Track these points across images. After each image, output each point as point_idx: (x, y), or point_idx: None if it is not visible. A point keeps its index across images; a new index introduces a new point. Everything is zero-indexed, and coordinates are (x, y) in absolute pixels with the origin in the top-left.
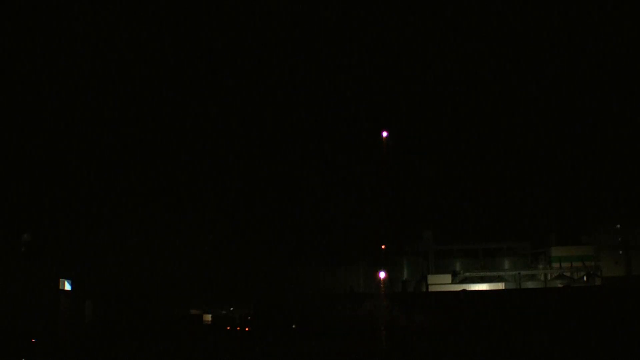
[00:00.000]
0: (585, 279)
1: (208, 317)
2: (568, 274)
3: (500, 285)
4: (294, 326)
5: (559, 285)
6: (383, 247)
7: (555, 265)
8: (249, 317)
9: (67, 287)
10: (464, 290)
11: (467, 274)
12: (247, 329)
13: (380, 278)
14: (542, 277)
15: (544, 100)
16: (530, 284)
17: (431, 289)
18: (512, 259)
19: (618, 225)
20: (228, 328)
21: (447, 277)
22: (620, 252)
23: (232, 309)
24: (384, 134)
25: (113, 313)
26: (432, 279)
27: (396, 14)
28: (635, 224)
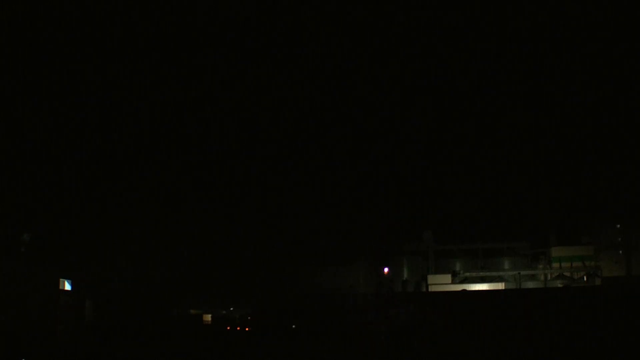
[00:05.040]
0: (585, 279)
1: (208, 317)
2: (568, 274)
3: (500, 285)
4: (294, 326)
5: (559, 285)
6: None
7: (555, 265)
8: (249, 317)
9: (67, 287)
10: (464, 290)
11: (467, 274)
12: (247, 329)
13: (384, 273)
14: (542, 277)
15: (543, 99)
16: (530, 284)
17: (431, 289)
18: (512, 259)
19: (618, 225)
20: (228, 328)
21: (447, 277)
22: (620, 252)
23: (232, 309)
24: None
25: (113, 313)
26: (432, 279)
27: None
28: (635, 224)
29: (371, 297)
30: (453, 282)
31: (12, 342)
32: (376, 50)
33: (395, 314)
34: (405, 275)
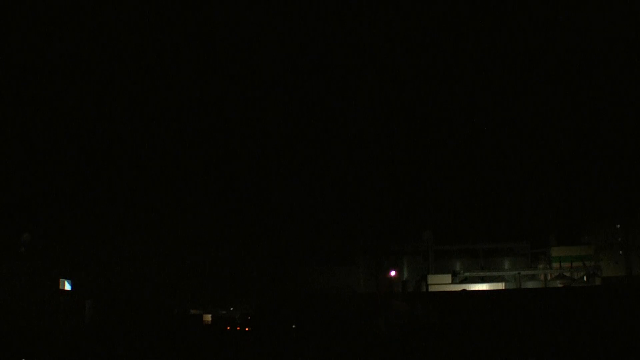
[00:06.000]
0: (585, 279)
1: (208, 317)
2: (568, 274)
3: (500, 285)
4: (294, 326)
5: (559, 285)
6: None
7: (555, 265)
8: (249, 317)
9: (67, 287)
10: (464, 290)
11: (467, 274)
12: (247, 329)
13: (390, 276)
14: (542, 277)
15: (543, 100)
16: (530, 284)
17: (431, 289)
18: (512, 259)
19: (618, 225)
20: (228, 328)
21: (447, 277)
22: (620, 252)
23: (232, 309)
24: None
25: (113, 313)
26: (432, 279)
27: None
28: (635, 224)
29: (371, 297)
30: (453, 282)
31: (12, 342)
32: (377, 48)
33: (395, 314)
34: (405, 275)
